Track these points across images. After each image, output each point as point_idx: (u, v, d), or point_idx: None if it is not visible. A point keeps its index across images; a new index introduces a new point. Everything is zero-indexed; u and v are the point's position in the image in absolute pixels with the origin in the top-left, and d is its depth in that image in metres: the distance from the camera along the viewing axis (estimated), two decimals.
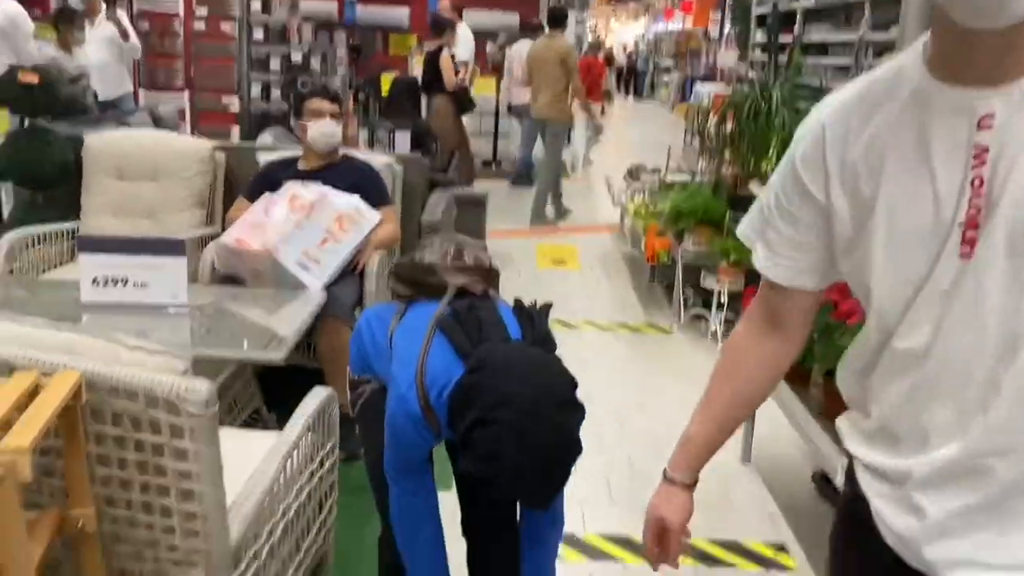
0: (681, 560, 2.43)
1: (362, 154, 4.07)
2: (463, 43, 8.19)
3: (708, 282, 4.59)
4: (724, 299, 4.59)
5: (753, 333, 1.29)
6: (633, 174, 7.15)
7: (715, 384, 1.33)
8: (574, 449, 1.49)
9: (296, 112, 3.65)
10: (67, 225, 3.87)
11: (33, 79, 3.84)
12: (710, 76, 15.11)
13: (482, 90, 9.39)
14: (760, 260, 1.21)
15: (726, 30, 14.82)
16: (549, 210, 7.88)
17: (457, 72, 7.33)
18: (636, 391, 3.99)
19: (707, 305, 4.83)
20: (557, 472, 1.49)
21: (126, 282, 2.73)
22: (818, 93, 4.75)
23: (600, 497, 3.03)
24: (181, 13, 9.17)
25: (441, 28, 7.42)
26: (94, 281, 2.72)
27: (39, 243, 3.68)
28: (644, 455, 3.36)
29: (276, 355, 2.37)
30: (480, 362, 1.47)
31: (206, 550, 1.53)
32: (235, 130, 8.14)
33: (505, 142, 10.38)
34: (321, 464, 2.15)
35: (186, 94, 9.24)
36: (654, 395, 3.96)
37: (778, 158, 4.59)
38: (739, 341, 1.31)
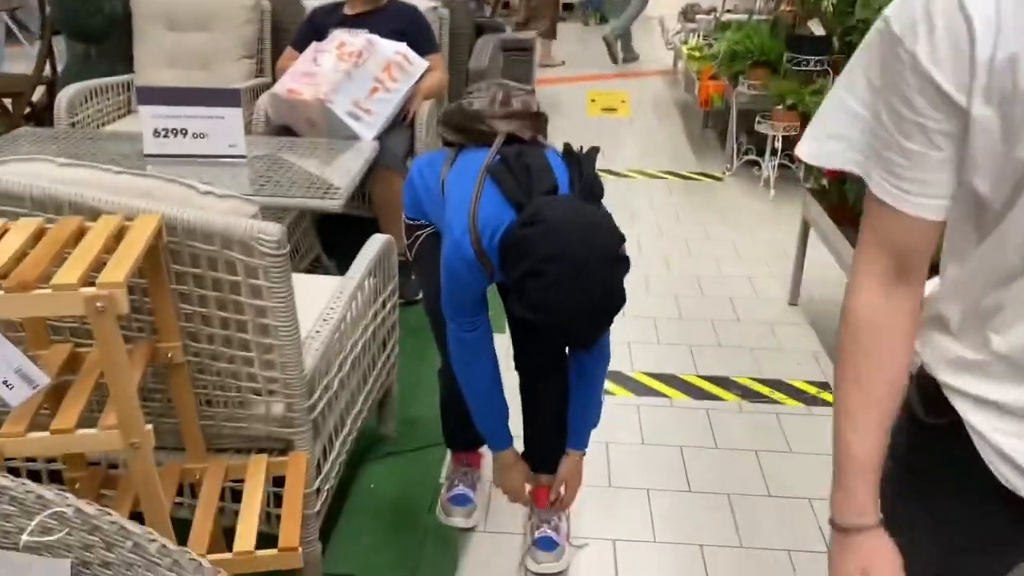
0: (724, 395, 2.54)
1: None
2: None
3: (763, 127, 4.50)
4: (778, 144, 4.51)
5: (882, 296, 0.99)
6: (687, 14, 6.89)
7: (864, 380, 1.00)
8: (618, 301, 1.56)
9: None
10: (122, 78, 3.92)
11: None
12: None
13: None
14: (885, 190, 0.93)
15: None
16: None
17: None
18: (685, 237, 4.01)
19: (760, 152, 4.76)
20: (601, 321, 1.58)
21: (185, 133, 2.80)
22: None
23: (648, 337, 3.13)
24: None
25: None
26: (155, 133, 2.79)
27: (96, 96, 3.75)
28: (690, 297, 3.43)
29: (333, 204, 2.45)
30: (535, 216, 1.51)
31: (283, 379, 1.66)
32: None
33: None
34: (383, 305, 2.26)
35: None
36: (702, 240, 3.98)
37: None
38: (871, 314, 1.00)
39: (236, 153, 2.79)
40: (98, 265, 1.27)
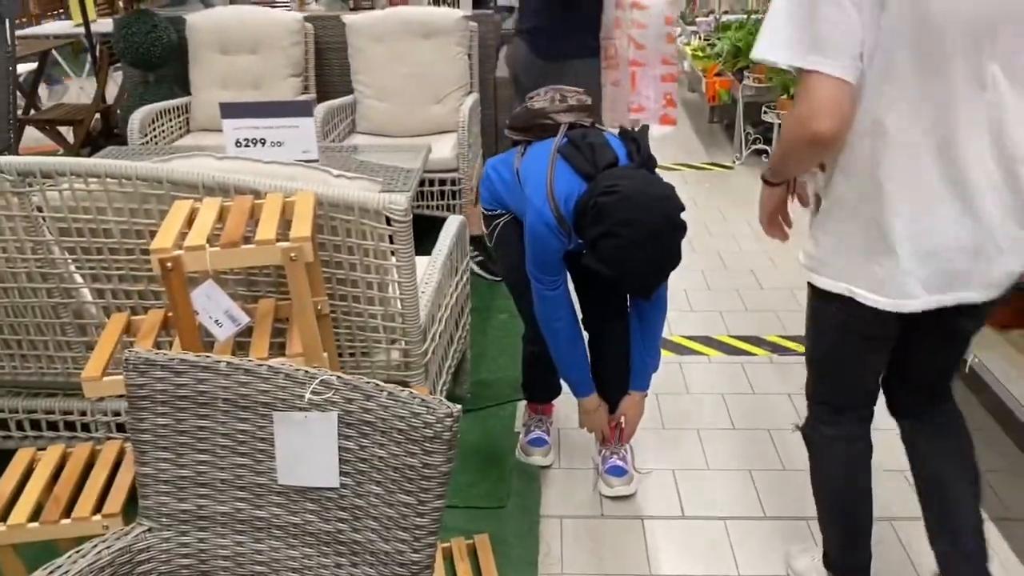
0: (755, 351, 2.85)
1: (434, 10, 4.36)
2: None
3: (769, 116, 4.86)
4: None
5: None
6: (686, 17, 7.25)
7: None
8: (677, 260, 1.92)
9: None
10: (180, 100, 4.28)
11: None
12: None
13: None
14: (833, 67, 1.34)
15: None
16: None
17: None
18: (704, 220, 4.35)
19: (768, 140, 5.12)
20: (661, 276, 1.93)
21: (264, 142, 3.14)
22: None
23: (682, 306, 3.47)
24: None
25: None
26: (237, 143, 3.14)
27: (160, 118, 4.10)
28: (716, 271, 3.78)
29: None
30: (613, 187, 1.84)
31: (403, 328, 2.00)
32: None
33: None
34: (461, 277, 2.60)
35: None
36: (720, 222, 4.32)
37: None
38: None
39: (309, 158, 3.13)
40: (285, 226, 1.62)
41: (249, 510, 1.26)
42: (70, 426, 2.22)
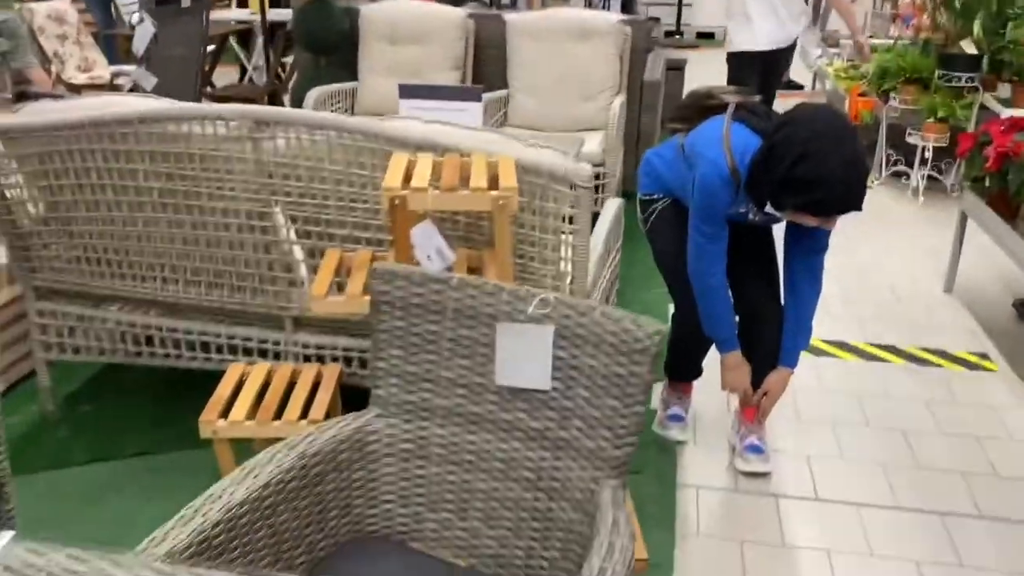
0: (892, 359, 2.93)
1: (592, 13, 4.56)
2: None
3: (913, 139, 4.84)
4: (928, 155, 4.84)
5: None
6: (828, 40, 7.25)
7: None
8: (866, 164, 1.98)
9: None
10: (348, 84, 4.62)
11: None
12: None
13: None
14: None
15: None
16: None
17: None
18: (844, 235, 4.39)
19: (909, 163, 5.09)
20: (863, 180, 1.96)
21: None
22: None
23: (822, 316, 3.52)
24: None
25: None
26: None
27: (330, 100, 4.44)
28: (854, 283, 3.82)
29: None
30: (783, 122, 1.98)
31: (570, 288, 2.18)
32: None
33: (688, 10, 10.52)
34: (615, 256, 2.77)
35: None
36: (859, 239, 4.35)
37: (993, 16, 4.72)
38: None
39: None
40: (493, 181, 1.82)
41: (466, 405, 1.46)
42: (263, 353, 2.49)
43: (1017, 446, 2.67)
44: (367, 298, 1.87)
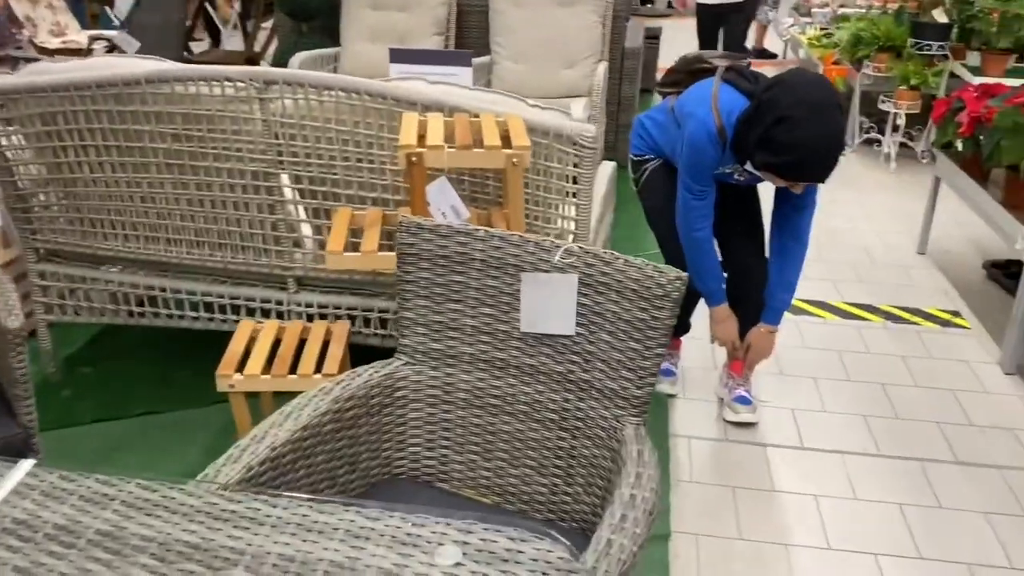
0: (869, 317, 3.04)
1: None
2: None
3: (886, 106, 4.97)
4: (900, 122, 4.97)
5: None
6: (800, 9, 7.35)
7: None
8: (843, 140, 2.04)
9: None
10: (331, 50, 4.62)
11: None
12: None
13: None
14: None
15: None
16: None
17: None
18: (820, 202, 4.50)
19: (881, 131, 5.22)
20: (834, 155, 2.04)
21: None
22: None
23: (801, 278, 3.65)
24: None
25: None
26: None
27: (313, 65, 4.44)
28: (829, 246, 3.95)
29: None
30: (774, 82, 2.05)
31: (579, 231, 2.25)
32: None
33: None
34: (610, 216, 2.85)
35: None
36: (832, 204, 4.47)
37: None
38: None
39: None
40: (505, 139, 1.88)
41: (491, 352, 1.53)
42: (265, 313, 2.54)
43: (988, 397, 2.81)
44: (381, 254, 1.94)
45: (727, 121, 2.17)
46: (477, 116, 2.02)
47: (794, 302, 3.43)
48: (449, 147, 1.81)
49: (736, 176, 2.33)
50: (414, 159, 1.79)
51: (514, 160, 1.82)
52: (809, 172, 2.06)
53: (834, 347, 3.11)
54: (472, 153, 1.81)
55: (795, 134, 1.98)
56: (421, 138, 1.88)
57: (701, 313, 2.62)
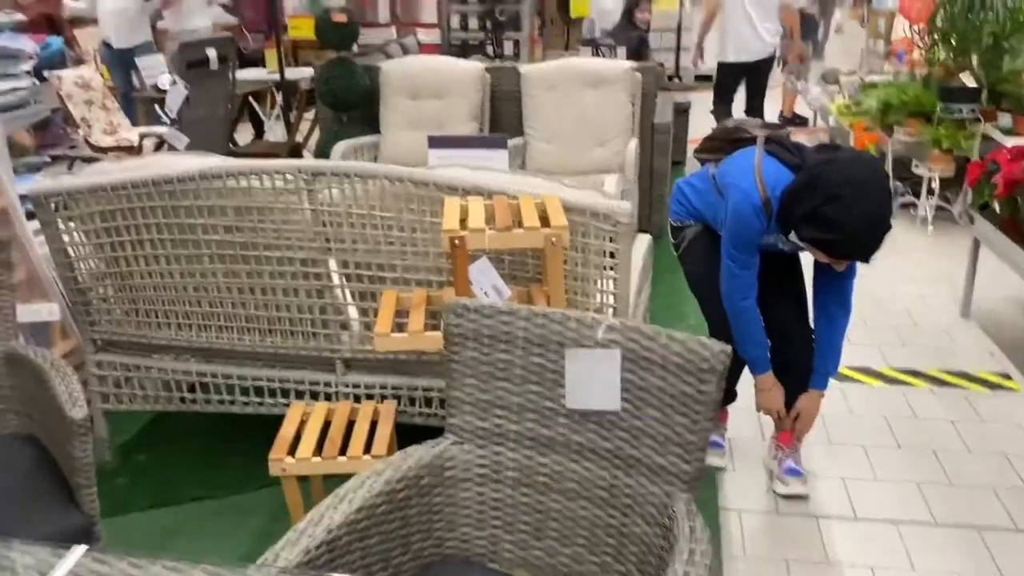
0: (915, 382, 3.01)
1: (604, 61, 4.74)
2: None
3: (920, 170, 4.98)
4: (935, 185, 4.98)
5: None
6: (828, 77, 7.45)
7: None
8: (890, 222, 2.08)
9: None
10: (373, 138, 4.78)
11: (342, 19, 4.72)
12: None
13: (663, 5, 9.90)
14: None
15: None
16: None
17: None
18: (859, 267, 4.50)
19: (915, 194, 5.23)
20: (880, 236, 2.08)
21: None
22: None
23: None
24: None
25: None
26: None
27: (355, 153, 4.59)
28: (871, 310, 3.93)
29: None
30: (828, 159, 2.09)
31: (619, 307, 2.28)
32: None
33: (686, 55, 10.79)
34: (647, 288, 2.88)
35: (392, 30, 10.14)
36: (871, 268, 4.44)
37: (990, 50, 4.90)
38: None
39: None
40: (543, 219, 1.94)
41: (539, 429, 1.55)
42: (314, 395, 2.59)
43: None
44: (428, 334, 1.99)
45: (772, 193, 2.20)
46: (516, 198, 2.09)
47: (839, 369, 3.39)
48: (490, 229, 1.87)
49: (780, 244, 2.36)
50: (457, 242, 1.86)
51: (553, 239, 1.87)
52: (855, 251, 2.11)
53: (882, 413, 3.07)
54: (512, 234, 1.87)
55: (844, 213, 2.02)
56: (463, 221, 1.94)
57: (746, 381, 2.61)
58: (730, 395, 2.80)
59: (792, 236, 2.21)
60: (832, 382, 3.25)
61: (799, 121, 8.06)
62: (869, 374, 3.38)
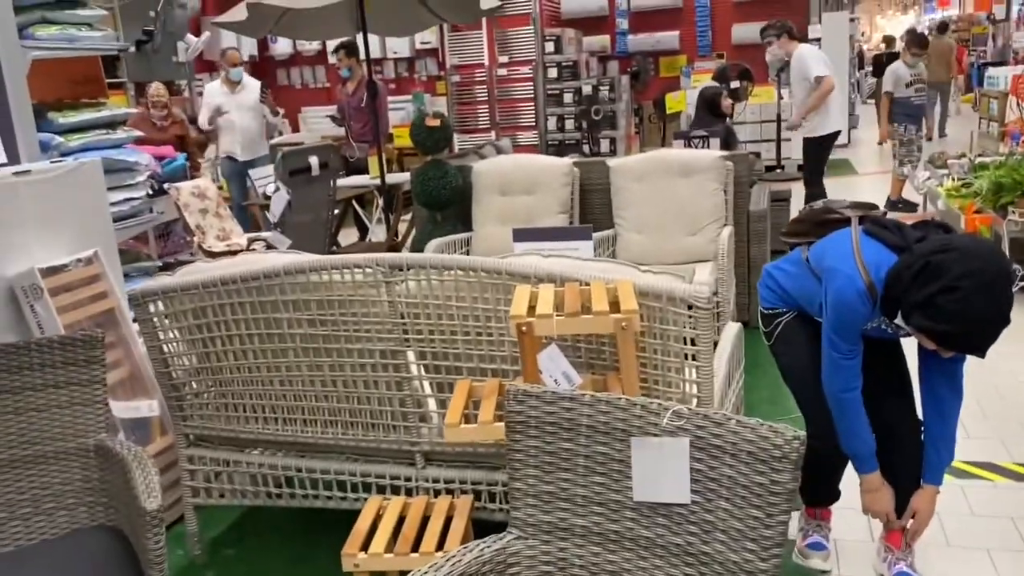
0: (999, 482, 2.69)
1: (692, 152, 4.72)
2: None
3: None
4: None
5: None
6: (935, 161, 7.20)
7: None
8: (1009, 314, 1.93)
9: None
10: (465, 235, 4.87)
11: (435, 123, 4.90)
12: (1000, 61, 14.31)
13: (762, 98, 9.89)
14: None
15: (1015, 9, 13.98)
16: None
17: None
18: None
19: None
20: (997, 329, 1.93)
21: None
22: None
23: (962, 436, 3.34)
24: (486, 62, 10.51)
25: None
26: None
27: (449, 249, 4.68)
28: (992, 401, 3.64)
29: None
30: (947, 246, 1.95)
31: (702, 396, 2.17)
32: None
33: (787, 145, 10.68)
34: (739, 378, 2.76)
35: (492, 134, 10.49)
36: (992, 357, 4.14)
37: None
38: None
39: None
40: (614, 306, 1.90)
41: (605, 523, 1.47)
42: (395, 490, 2.56)
43: None
44: (498, 425, 1.94)
45: (875, 276, 2.08)
46: (587, 284, 2.06)
47: (956, 464, 3.13)
48: (558, 315, 1.84)
49: (885, 328, 2.22)
50: (524, 328, 1.83)
51: (623, 324, 1.82)
52: (969, 345, 1.98)
53: (1007, 514, 2.79)
54: (580, 320, 1.83)
55: (963, 306, 1.89)
56: (531, 308, 1.92)
57: (851, 479, 2.43)
58: (834, 493, 2.61)
59: (899, 320, 2.08)
60: (949, 479, 3.02)
61: (907, 206, 7.79)
62: (992, 470, 3.10)
